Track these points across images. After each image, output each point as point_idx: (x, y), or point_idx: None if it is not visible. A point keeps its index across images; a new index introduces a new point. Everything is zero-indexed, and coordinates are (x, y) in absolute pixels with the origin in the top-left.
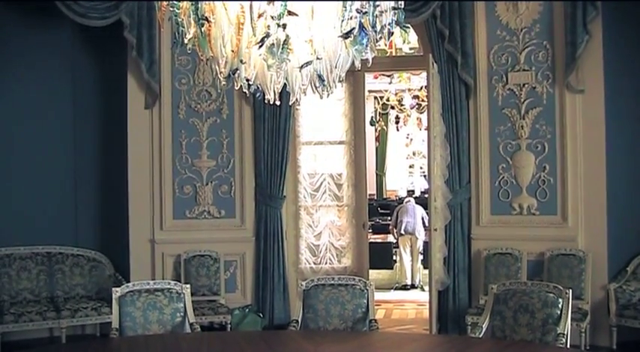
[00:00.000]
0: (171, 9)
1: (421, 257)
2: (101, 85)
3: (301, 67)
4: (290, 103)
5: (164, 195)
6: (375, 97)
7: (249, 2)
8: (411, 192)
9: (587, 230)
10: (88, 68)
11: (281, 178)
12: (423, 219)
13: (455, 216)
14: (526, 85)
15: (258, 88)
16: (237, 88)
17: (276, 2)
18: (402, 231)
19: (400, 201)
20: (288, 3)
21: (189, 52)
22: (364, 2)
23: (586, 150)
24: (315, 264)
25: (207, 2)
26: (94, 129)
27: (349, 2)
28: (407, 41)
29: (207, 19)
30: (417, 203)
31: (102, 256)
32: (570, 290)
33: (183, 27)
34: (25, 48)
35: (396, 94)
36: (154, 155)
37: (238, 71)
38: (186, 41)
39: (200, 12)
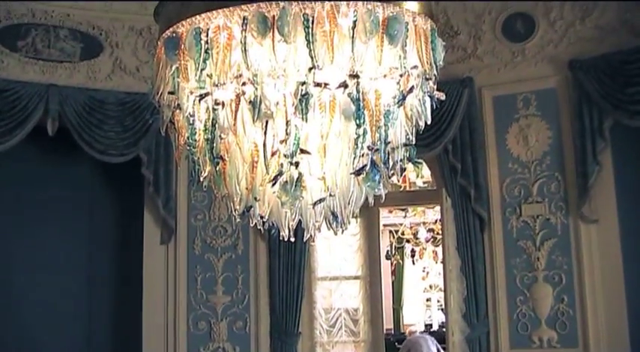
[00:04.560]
0: (188, 148)
1: None
2: (118, 219)
3: (315, 204)
4: (304, 239)
5: (178, 330)
6: (390, 231)
7: (262, 141)
8: (429, 326)
9: None
10: (105, 202)
11: (296, 314)
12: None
13: (473, 351)
14: (540, 217)
15: (272, 224)
16: (252, 225)
17: (288, 141)
18: None
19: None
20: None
21: (204, 189)
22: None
23: (604, 280)
24: None
25: (222, 141)
26: (110, 264)
27: (360, 139)
28: (420, 175)
29: (222, 158)
30: (434, 337)
31: None
32: None
33: (199, 165)
34: (43, 182)
35: (411, 228)
36: (169, 290)
37: (253, 208)
38: (201, 179)
39: (215, 151)
